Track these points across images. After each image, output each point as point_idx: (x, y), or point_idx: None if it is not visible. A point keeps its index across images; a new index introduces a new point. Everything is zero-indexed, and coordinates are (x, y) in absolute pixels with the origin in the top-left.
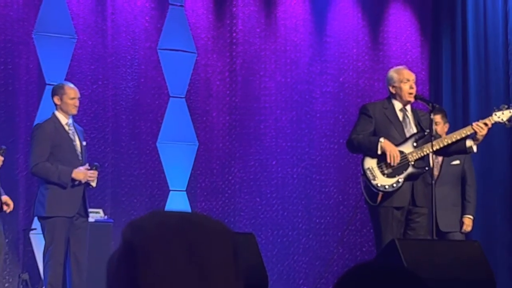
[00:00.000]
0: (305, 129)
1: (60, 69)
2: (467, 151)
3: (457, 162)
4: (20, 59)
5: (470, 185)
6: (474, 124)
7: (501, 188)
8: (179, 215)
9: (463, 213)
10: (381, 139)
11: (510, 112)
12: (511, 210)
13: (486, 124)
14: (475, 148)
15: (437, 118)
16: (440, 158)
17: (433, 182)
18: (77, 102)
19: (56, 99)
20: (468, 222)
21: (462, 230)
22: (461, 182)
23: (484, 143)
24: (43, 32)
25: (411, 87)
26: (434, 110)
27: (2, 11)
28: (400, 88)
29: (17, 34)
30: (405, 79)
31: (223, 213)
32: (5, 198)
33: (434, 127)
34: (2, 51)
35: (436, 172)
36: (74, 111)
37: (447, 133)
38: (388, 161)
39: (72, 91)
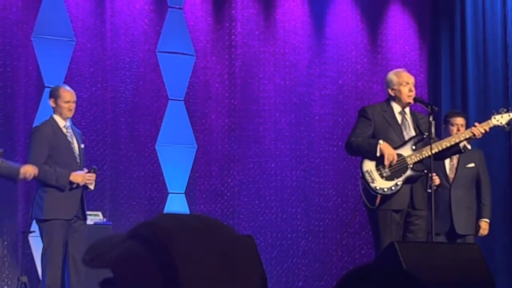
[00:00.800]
0: (304, 131)
1: (59, 71)
2: (461, 151)
3: (472, 164)
4: (19, 62)
5: (485, 188)
6: (473, 128)
7: (500, 191)
8: (197, 217)
9: (479, 216)
10: (380, 141)
11: (509, 115)
12: (510, 212)
13: (486, 131)
14: (469, 146)
15: (461, 120)
16: (455, 161)
17: (433, 186)
18: (72, 106)
19: (52, 102)
20: (484, 225)
21: (479, 234)
22: (475, 184)
23: (483, 145)
24: (42, 35)
25: (410, 90)
26: (457, 114)
27: (1, 13)
28: (400, 91)
29: (16, 37)
30: (405, 82)
31: (222, 215)
32: (25, 168)
33: (452, 129)
34: (1, 54)
35: (451, 175)
36: (69, 114)
37: None
38: (386, 163)
39: (67, 94)
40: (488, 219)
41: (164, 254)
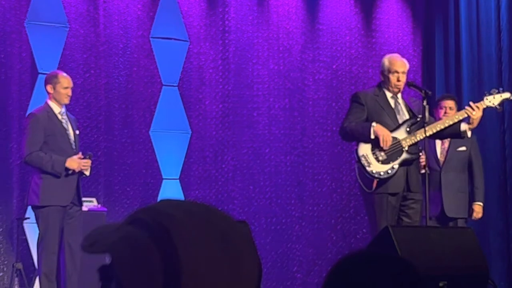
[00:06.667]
0: (298, 116)
1: (52, 58)
2: (461, 135)
3: (464, 148)
4: (12, 48)
5: (477, 171)
6: (467, 108)
7: (494, 175)
8: (196, 204)
9: (472, 200)
10: (373, 124)
11: (501, 96)
12: (504, 197)
13: (477, 107)
14: (469, 133)
15: (451, 103)
16: (446, 144)
17: (426, 168)
18: (70, 92)
19: (49, 88)
20: (478, 209)
21: (473, 217)
22: (468, 168)
23: (477, 130)
24: (35, 21)
25: (398, 80)
26: (446, 97)
27: None
28: (388, 78)
29: (9, 23)
30: (394, 70)
31: (217, 201)
32: None
33: (440, 112)
34: None
35: (442, 158)
36: (67, 100)
37: None
38: (381, 145)
39: (65, 80)
40: (482, 202)
41: (166, 239)
